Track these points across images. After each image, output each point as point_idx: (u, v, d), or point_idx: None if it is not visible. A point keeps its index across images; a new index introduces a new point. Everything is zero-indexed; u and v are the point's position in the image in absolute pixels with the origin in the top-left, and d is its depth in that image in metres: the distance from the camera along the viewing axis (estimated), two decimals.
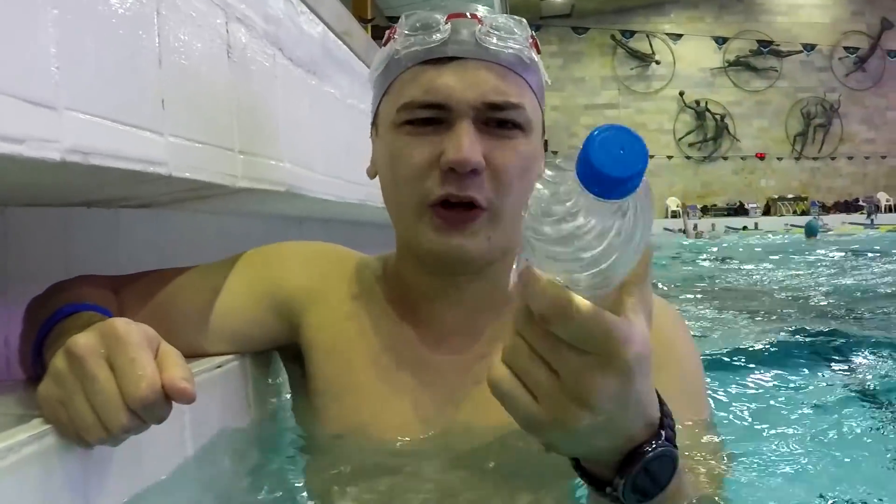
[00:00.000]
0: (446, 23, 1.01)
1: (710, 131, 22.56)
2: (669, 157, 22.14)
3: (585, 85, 21.76)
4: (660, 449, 0.66)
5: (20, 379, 1.06)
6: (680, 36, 21.29)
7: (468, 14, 1.02)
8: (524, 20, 1.05)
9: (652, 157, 22.91)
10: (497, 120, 1.00)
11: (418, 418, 1.05)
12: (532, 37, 1.05)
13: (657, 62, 22.35)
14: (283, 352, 1.24)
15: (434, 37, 1.00)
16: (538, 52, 1.06)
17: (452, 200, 0.98)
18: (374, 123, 1.12)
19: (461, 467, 0.99)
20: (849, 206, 21.48)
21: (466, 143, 0.96)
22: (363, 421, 1.06)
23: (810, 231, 13.03)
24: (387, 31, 1.08)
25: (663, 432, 0.67)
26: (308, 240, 1.28)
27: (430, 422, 1.05)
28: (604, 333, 0.57)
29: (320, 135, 1.84)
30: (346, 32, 2.17)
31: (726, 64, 22.45)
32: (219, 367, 1.10)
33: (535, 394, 0.61)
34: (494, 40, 1.00)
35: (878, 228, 16.03)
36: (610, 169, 0.51)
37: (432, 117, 1.00)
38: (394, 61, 1.04)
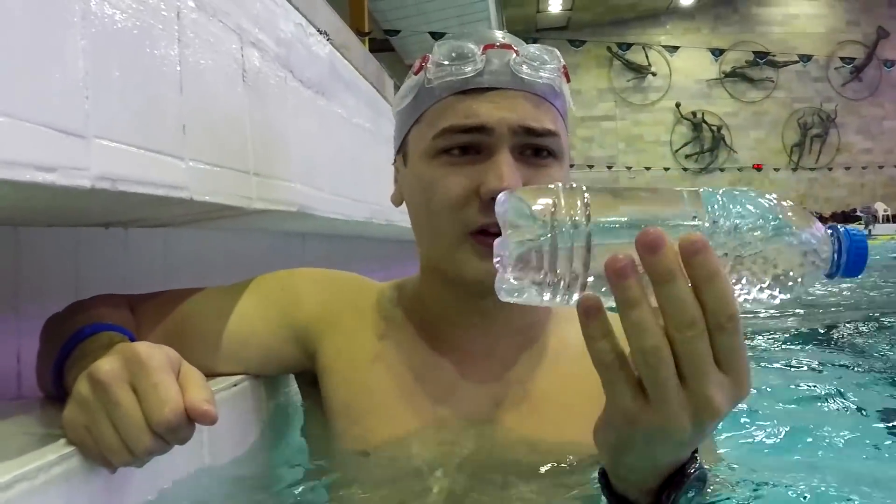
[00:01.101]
0: (482, 53, 1.01)
1: (706, 143, 22.59)
2: (666, 169, 22.16)
3: (582, 97, 21.78)
4: (699, 471, 0.69)
5: (37, 397, 1.07)
6: (676, 48, 21.35)
7: (500, 44, 1.02)
8: (556, 50, 1.05)
9: (648, 169, 22.91)
10: (534, 148, 1.00)
11: (440, 441, 1.05)
12: (564, 66, 1.06)
13: (653, 74, 22.40)
14: (298, 377, 1.25)
15: (469, 67, 1.00)
16: (568, 80, 1.07)
17: (492, 231, 0.96)
18: (402, 152, 1.11)
19: (483, 490, 0.99)
20: (846, 217, 21.50)
21: (507, 172, 0.96)
22: (385, 441, 1.06)
23: None
24: (417, 61, 1.07)
25: (697, 456, 0.70)
26: (312, 255, 1.29)
27: (453, 444, 1.05)
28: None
29: (328, 154, 1.86)
30: (344, 46, 2.19)
31: (722, 75, 22.51)
32: (235, 385, 1.12)
33: (650, 390, 0.62)
34: (528, 70, 1.01)
35: (875, 239, 16.08)
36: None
37: (471, 145, 0.99)
38: (425, 90, 1.04)
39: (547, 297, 0.65)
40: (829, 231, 0.69)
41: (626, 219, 0.65)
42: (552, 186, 0.66)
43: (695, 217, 0.65)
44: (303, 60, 1.68)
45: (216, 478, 1.00)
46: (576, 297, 0.64)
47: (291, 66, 1.59)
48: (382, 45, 11.10)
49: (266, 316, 1.14)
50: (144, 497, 0.85)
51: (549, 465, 1.00)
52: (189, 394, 0.74)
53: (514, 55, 1.01)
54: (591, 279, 0.63)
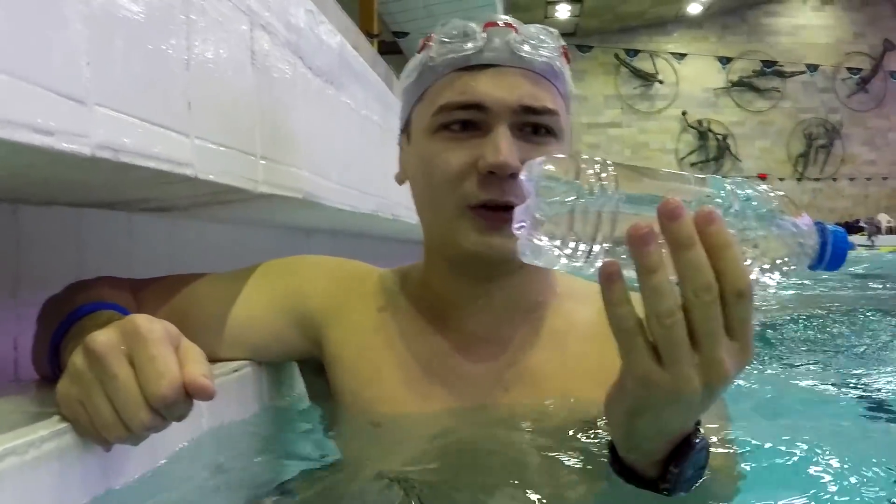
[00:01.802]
0: (483, 31, 1.03)
1: (712, 151, 22.60)
2: None
3: (588, 104, 21.81)
4: (702, 442, 0.73)
5: (34, 380, 1.05)
6: (684, 55, 21.40)
7: (503, 23, 1.04)
8: (555, 31, 1.07)
9: None
10: (533, 126, 1.01)
11: (447, 424, 1.05)
12: (563, 46, 1.07)
13: (660, 82, 22.42)
14: (302, 365, 1.24)
15: (470, 45, 1.02)
16: (568, 61, 1.09)
17: (491, 206, 0.99)
18: (405, 131, 1.13)
19: (489, 471, 0.98)
20: (850, 228, 21.49)
21: (505, 147, 0.97)
22: (394, 423, 1.06)
23: None
24: (420, 40, 1.10)
25: (700, 428, 0.73)
26: (316, 251, 1.28)
27: (460, 426, 1.05)
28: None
29: (336, 144, 1.84)
30: (354, 47, 2.17)
31: (729, 84, 22.52)
32: (235, 370, 1.10)
33: (664, 353, 0.65)
34: (528, 48, 1.02)
35: (878, 249, 16.12)
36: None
37: (469, 120, 1.01)
38: (428, 69, 1.06)
39: (568, 259, 0.67)
40: (816, 224, 0.73)
41: (647, 191, 0.68)
42: (579, 155, 0.68)
43: (707, 196, 0.70)
44: (313, 48, 1.65)
45: (215, 464, 0.97)
46: (598, 262, 0.66)
47: (301, 53, 1.56)
48: (391, 48, 11.12)
49: (271, 302, 1.13)
50: (140, 475, 0.82)
51: (555, 445, 1.00)
52: (187, 368, 0.71)
53: (514, 33, 1.03)
54: (608, 245, 0.66)
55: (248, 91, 1.26)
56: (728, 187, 0.71)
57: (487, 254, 1.01)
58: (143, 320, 0.73)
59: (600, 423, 1.02)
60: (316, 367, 1.18)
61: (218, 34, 1.13)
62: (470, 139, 1.01)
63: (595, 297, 1.13)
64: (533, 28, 1.05)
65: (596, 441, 0.98)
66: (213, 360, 1.09)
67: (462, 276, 1.08)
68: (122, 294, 1.08)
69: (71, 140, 0.74)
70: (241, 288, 1.14)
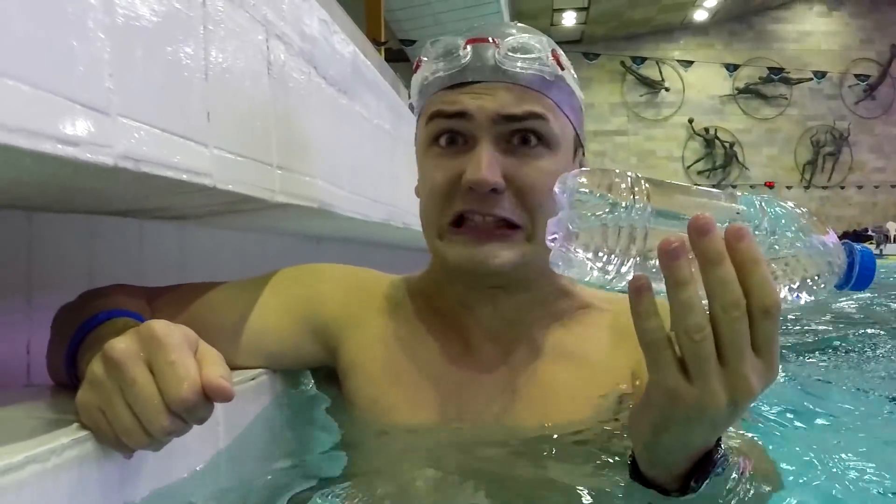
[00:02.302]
0: (465, 47, 1.03)
1: (719, 159, 22.58)
2: None
3: (594, 111, 21.81)
4: (723, 458, 0.74)
5: (47, 385, 1.05)
6: (690, 63, 21.38)
7: (489, 38, 1.04)
8: (545, 37, 1.06)
9: None
10: (520, 135, 1.01)
11: (461, 432, 1.06)
12: (553, 52, 1.05)
13: (667, 89, 22.43)
14: (315, 374, 1.25)
15: (455, 63, 1.03)
16: (562, 67, 1.06)
17: (476, 219, 1.01)
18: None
19: (502, 483, 0.98)
20: (858, 237, 21.42)
21: (485, 163, 0.98)
22: (411, 430, 1.07)
23: None
24: (416, 60, 1.11)
25: (721, 444, 0.74)
26: (326, 259, 1.29)
27: (474, 435, 1.06)
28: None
29: (349, 153, 1.85)
30: (362, 54, 2.18)
31: (736, 91, 22.51)
32: (253, 379, 1.10)
33: (692, 367, 0.65)
34: (513, 63, 1.02)
35: (885, 258, 16.08)
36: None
37: (454, 132, 1.02)
38: (423, 88, 1.09)
39: (599, 272, 0.68)
40: (843, 244, 0.74)
41: (678, 207, 0.69)
42: (612, 170, 0.69)
43: (738, 214, 0.71)
44: (327, 57, 1.66)
45: (232, 471, 0.98)
46: (629, 275, 0.67)
47: (315, 62, 1.57)
48: (398, 56, 11.16)
49: (286, 310, 1.14)
50: (158, 484, 0.82)
51: (567, 457, 1.01)
52: (206, 371, 0.71)
53: (496, 48, 1.03)
54: (639, 259, 0.67)
55: (265, 100, 1.26)
56: (758, 204, 0.72)
57: (472, 268, 1.02)
58: (160, 325, 0.73)
59: (615, 438, 1.03)
60: (328, 375, 1.19)
61: (235, 44, 1.14)
62: (456, 155, 1.02)
63: (609, 310, 1.15)
64: (522, 38, 1.04)
65: (611, 455, 0.98)
66: (229, 367, 1.09)
67: (465, 287, 1.09)
68: (138, 301, 1.08)
69: (95, 151, 0.74)
70: (256, 296, 1.14)
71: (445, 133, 1.03)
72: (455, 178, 1.01)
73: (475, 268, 1.02)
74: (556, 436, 1.04)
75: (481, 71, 1.02)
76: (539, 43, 1.04)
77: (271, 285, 1.16)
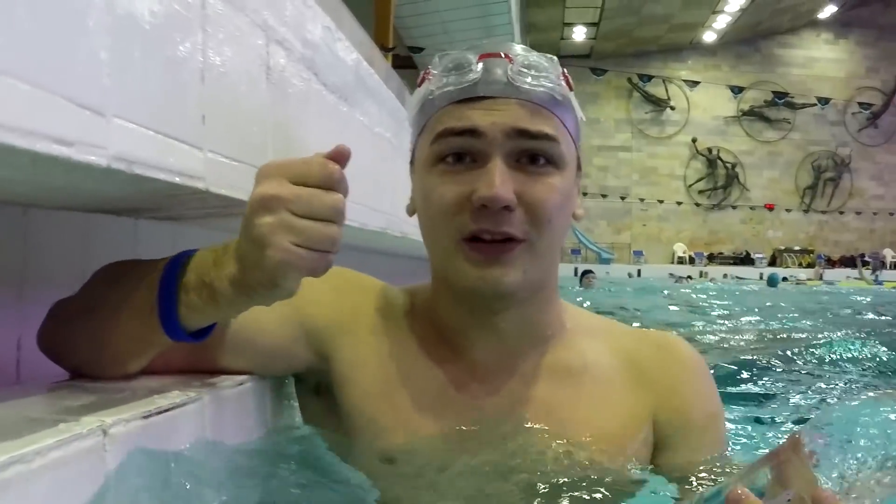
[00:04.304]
0: (478, 62, 1.02)
1: (720, 179, 22.64)
2: (679, 203, 22.17)
3: (600, 126, 21.86)
4: None
5: (36, 383, 1.04)
6: (696, 83, 21.43)
7: (502, 54, 1.03)
8: (555, 58, 1.06)
9: (661, 202, 23.03)
10: (530, 154, 1.00)
11: (463, 456, 1.04)
12: (564, 74, 1.06)
13: (672, 108, 22.49)
14: (299, 384, 1.21)
15: (466, 77, 1.02)
16: (570, 88, 1.06)
17: (486, 237, 0.99)
18: (413, 162, 1.13)
19: (509, 500, 0.98)
20: (854, 262, 21.42)
21: (498, 180, 0.97)
22: (409, 454, 1.05)
23: (772, 283, 15.19)
24: (422, 73, 1.10)
25: None
26: None
27: (475, 460, 1.03)
28: None
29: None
30: (368, 60, 2.19)
31: (740, 113, 22.58)
32: (240, 384, 1.09)
33: None
34: (525, 79, 1.01)
35: (882, 284, 16.13)
36: None
37: (464, 150, 1.01)
38: (428, 102, 1.06)
39: None
40: None
41: None
42: None
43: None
44: (328, 64, 1.67)
45: (217, 475, 0.96)
46: None
47: (316, 69, 1.57)
48: (405, 62, 11.18)
49: (280, 316, 1.10)
50: (143, 485, 0.81)
51: (573, 482, 1.00)
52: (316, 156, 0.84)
53: (510, 64, 1.02)
54: None
55: (262, 105, 1.27)
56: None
57: (483, 288, 1.01)
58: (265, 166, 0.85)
59: (612, 461, 1.03)
60: (314, 387, 1.16)
61: (234, 48, 1.14)
62: (465, 172, 1.00)
63: (604, 334, 1.15)
64: (532, 57, 1.04)
65: (608, 478, 0.98)
66: (214, 369, 1.08)
67: (467, 307, 1.07)
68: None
69: (89, 151, 0.75)
70: None
71: (454, 151, 1.02)
72: (464, 197, 0.99)
73: (485, 289, 1.01)
74: (562, 462, 1.03)
75: (493, 86, 1.01)
76: (549, 63, 1.04)
77: None
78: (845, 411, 0.67)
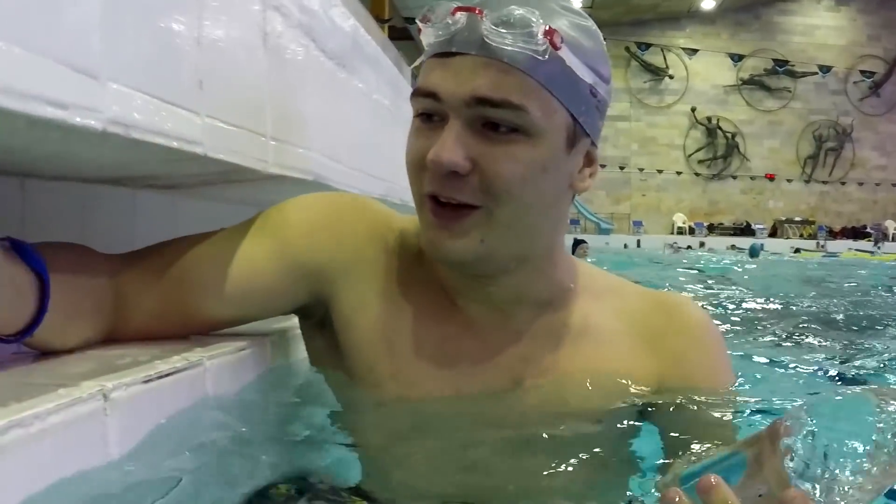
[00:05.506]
0: (452, 15, 0.96)
1: (720, 149, 22.54)
2: (678, 173, 22.12)
3: None
4: None
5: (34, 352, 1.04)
6: (695, 51, 21.29)
7: (475, 9, 0.96)
8: (537, 11, 0.95)
9: (661, 172, 22.89)
10: (492, 121, 0.94)
11: (458, 410, 1.05)
12: (549, 29, 0.94)
13: (670, 76, 22.35)
14: (303, 319, 1.17)
15: (441, 31, 0.97)
16: (556, 46, 0.95)
17: (441, 199, 0.97)
18: None
19: (500, 462, 1.00)
20: (856, 233, 21.41)
21: (449, 144, 0.93)
22: (406, 404, 1.05)
23: (753, 253, 14.77)
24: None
25: None
26: None
27: (471, 415, 1.04)
28: None
29: (346, 127, 1.84)
30: (365, 29, 2.17)
31: (740, 82, 22.43)
32: (241, 350, 1.08)
33: None
34: (498, 36, 0.93)
35: (880, 256, 16.11)
36: None
37: (431, 111, 0.97)
38: (424, 52, 1.03)
39: None
40: None
41: None
42: None
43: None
44: (326, 31, 1.65)
45: (219, 441, 0.97)
46: None
47: (314, 36, 1.56)
48: (402, 34, 11.09)
49: (273, 255, 1.06)
50: (144, 449, 0.82)
51: (569, 441, 1.00)
52: None
53: (481, 18, 0.94)
54: None
55: (260, 71, 1.26)
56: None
57: (438, 254, 1.00)
58: None
59: (607, 424, 1.04)
60: (318, 323, 1.13)
61: (230, 13, 1.13)
62: (432, 130, 0.97)
63: (613, 296, 1.14)
64: (513, 10, 0.94)
65: (610, 441, 0.99)
66: (212, 322, 1.07)
67: (457, 269, 1.05)
68: (95, 265, 1.01)
69: (84, 114, 0.74)
70: (238, 243, 1.06)
71: (422, 111, 0.99)
72: (424, 156, 0.95)
73: (437, 256, 1.00)
74: (565, 424, 1.03)
75: (466, 43, 0.94)
76: (534, 16, 0.93)
77: (256, 229, 1.08)
78: (826, 406, 0.66)
